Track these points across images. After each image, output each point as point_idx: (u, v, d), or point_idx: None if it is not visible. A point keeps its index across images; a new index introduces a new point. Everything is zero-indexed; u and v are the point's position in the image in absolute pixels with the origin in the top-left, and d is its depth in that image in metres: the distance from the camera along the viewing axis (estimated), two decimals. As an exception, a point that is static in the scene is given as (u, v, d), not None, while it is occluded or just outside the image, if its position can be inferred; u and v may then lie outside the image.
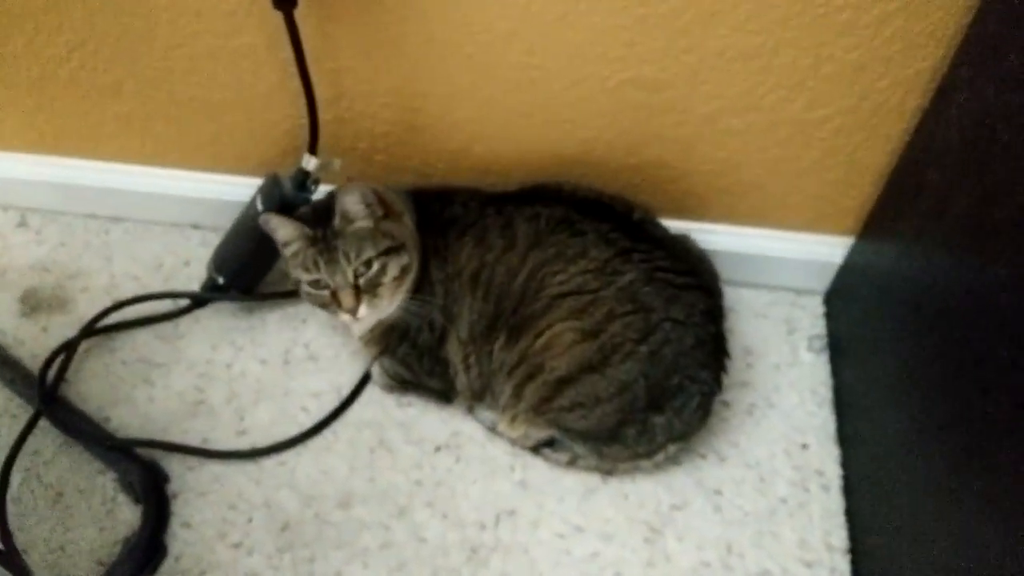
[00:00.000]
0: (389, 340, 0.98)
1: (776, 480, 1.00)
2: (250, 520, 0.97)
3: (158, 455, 1.01)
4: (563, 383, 0.91)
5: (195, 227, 1.21)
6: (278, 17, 0.87)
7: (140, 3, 0.94)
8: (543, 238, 0.91)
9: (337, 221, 0.88)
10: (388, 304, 0.91)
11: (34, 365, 1.06)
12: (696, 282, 0.91)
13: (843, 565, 0.94)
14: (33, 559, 0.93)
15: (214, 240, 1.10)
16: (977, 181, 0.75)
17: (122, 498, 0.98)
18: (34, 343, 1.10)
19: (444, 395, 1.02)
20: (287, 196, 0.98)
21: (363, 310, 0.89)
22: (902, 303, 0.89)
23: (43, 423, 1.02)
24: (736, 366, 1.02)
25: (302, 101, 0.95)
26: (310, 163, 0.98)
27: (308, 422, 1.04)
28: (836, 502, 0.98)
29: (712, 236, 1.05)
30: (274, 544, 0.95)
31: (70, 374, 1.06)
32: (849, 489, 0.98)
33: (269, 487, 0.99)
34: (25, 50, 1.02)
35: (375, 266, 0.88)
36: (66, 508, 0.97)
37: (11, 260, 1.19)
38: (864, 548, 0.93)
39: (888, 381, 0.92)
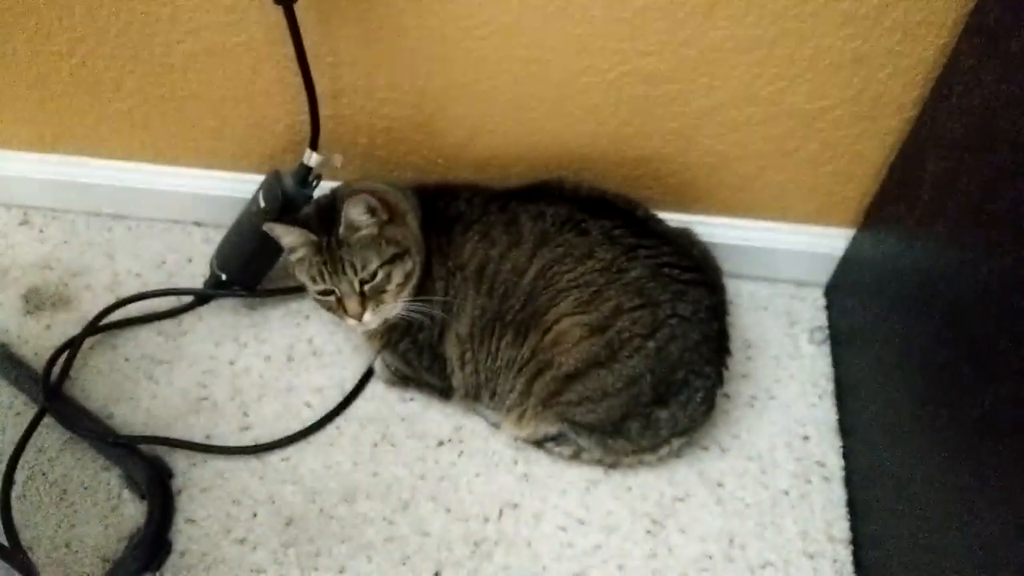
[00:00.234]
0: (391, 335, 0.99)
1: (778, 472, 1.00)
2: (254, 515, 0.97)
3: (162, 451, 1.01)
4: (571, 378, 0.91)
5: (197, 224, 1.22)
6: (279, 12, 0.87)
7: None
8: (550, 237, 0.91)
9: (342, 230, 0.88)
10: (392, 307, 0.92)
11: (38, 363, 1.07)
12: (701, 278, 0.92)
13: (845, 556, 0.94)
14: (38, 556, 0.94)
15: (216, 237, 1.11)
16: (978, 172, 0.75)
17: (126, 495, 0.98)
18: (38, 341, 1.11)
19: (443, 392, 1.02)
20: (289, 192, 0.98)
21: (368, 316, 0.90)
22: (903, 294, 0.89)
23: (47, 420, 1.02)
24: (737, 358, 1.02)
25: (303, 97, 0.95)
26: (311, 159, 0.98)
27: (311, 417, 1.04)
28: (838, 493, 0.98)
29: (712, 229, 1.05)
30: (278, 539, 0.96)
31: (74, 371, 1.07)
32: (850, 480, 0.99)
33: (273, 482, 1.00)
34: (26, 48, 1.02)
35: (380, 275, 0.89)
36: (71, 505, 0.98)
37: (14, 258, 1.19)
38: (866, 539, 0.93)
39: (889, 372, 0.92)
